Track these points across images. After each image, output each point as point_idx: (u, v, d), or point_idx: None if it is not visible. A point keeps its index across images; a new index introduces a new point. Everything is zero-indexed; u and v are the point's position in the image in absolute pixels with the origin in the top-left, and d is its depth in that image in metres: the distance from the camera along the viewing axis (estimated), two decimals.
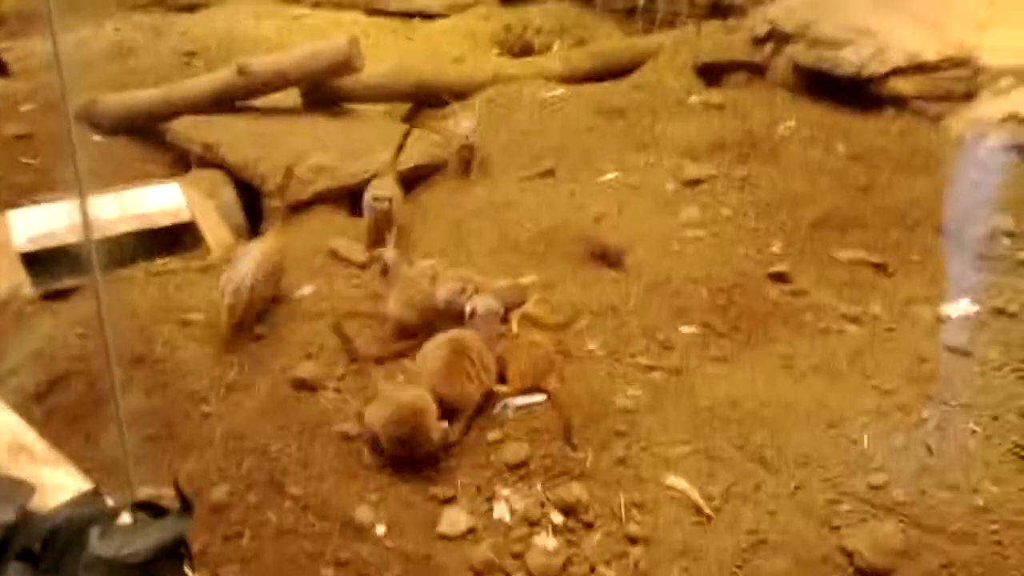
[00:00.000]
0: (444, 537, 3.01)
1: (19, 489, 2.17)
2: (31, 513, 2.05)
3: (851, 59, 6.19)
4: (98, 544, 1.88)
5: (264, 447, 3.28)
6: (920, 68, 6.27)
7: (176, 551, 1.95)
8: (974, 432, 3.49)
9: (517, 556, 2.95)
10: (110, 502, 2.06)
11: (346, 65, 5.92)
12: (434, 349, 3.62)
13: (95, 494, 2.17)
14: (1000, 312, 4.16)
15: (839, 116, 6.12)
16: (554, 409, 3.53)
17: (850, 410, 3.61)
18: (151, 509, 1.98)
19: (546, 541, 2.99)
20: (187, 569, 1.99)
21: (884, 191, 5.29)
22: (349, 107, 6.21)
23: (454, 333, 3.68)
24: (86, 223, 2.90)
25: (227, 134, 5.69)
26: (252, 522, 2.97)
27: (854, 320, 4.21)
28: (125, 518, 1.97)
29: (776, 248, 4.79)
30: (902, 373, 3.82)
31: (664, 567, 2.94)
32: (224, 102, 6.00)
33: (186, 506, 2.00)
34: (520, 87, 6.49)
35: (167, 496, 2.04)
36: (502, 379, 3.69)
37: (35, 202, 4.93)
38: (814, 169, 5.56)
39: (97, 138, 5.84)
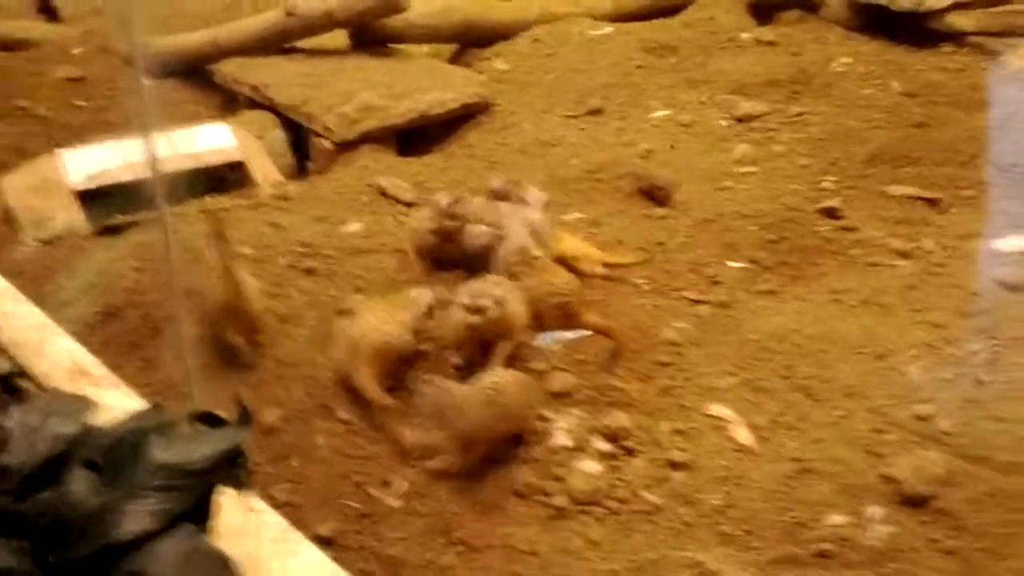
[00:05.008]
0: (489, 460, 3.06)
1: (80, 404, 2.25)
2: (92, 427, 2.13)
3: None
4: (160, 451, 1.95)
5: (314, 375, 3.35)
6: (981, 2, 6.12)
7: (234, 460, 2.02)
8: (1023, 366, 3.46)
9: (560, 479, 2.99)
10: (169, 415, 2.12)
11: (393, 5, 5.92)
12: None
13: (156, 408, 2.24)
14: None
15: (895, 52, 6.01)
16: (609, 339, 3.54)
17: (899, 343, 3.58)
18: (209, 420, 2.05)
19: (589, 465, 3.03)
20: (243, 478, 2.06)
21: (939, 127, 5.20)
22: (396, 48, 6.22)
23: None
24: (153, 161, 2.97)
25: (275, 75, 5.74)
26: (303, 445, 3.05)
27: (905, 255, 4.16)
28: (185, 428, 2.03)
29: (828, 184, 4.74)
30: (953, 308, 3.78)
31: (706, 492, 2.97)
32: (272, 44, 6.05)
33: (244, 418, 2.06)
34: (567, 25, 6.45)
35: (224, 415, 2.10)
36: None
37: (87, 143, 5.03)
38: (868, 105, 5.48)
39: (147, 81, 5.90)
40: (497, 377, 3.14)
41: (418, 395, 3.10)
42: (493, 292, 3.40)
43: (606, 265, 4.09)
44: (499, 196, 4.12)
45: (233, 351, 3.41)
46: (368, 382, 3.25)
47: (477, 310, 3.35)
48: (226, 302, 3.40)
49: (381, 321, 3.36)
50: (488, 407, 3.01)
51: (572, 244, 4.10)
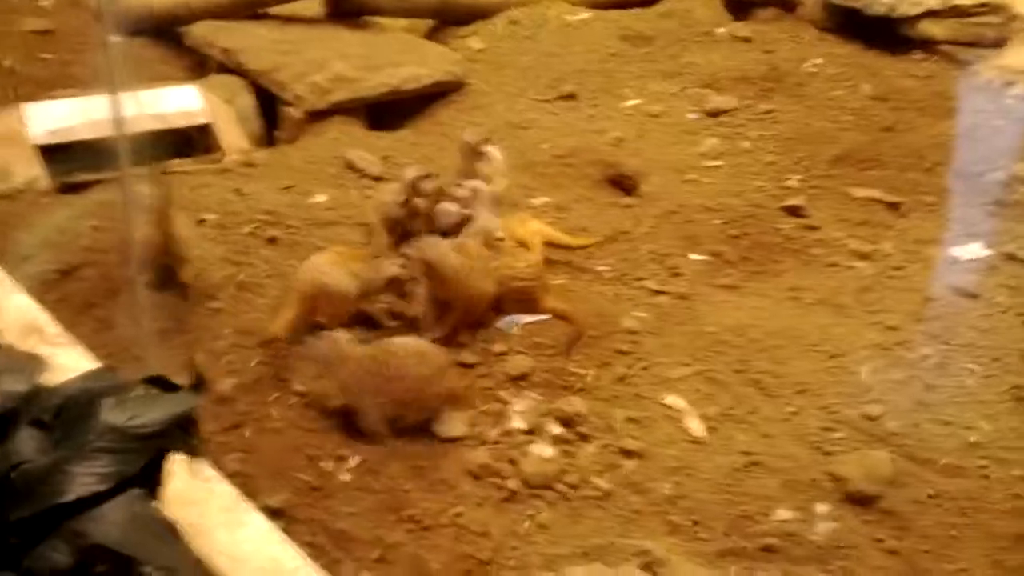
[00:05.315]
0: (443, 439, 3.07)
1: (31, 362, 2.21)
2: (43, 386, 2.10)
3: None
4: (110, 413, 1.92)
5: (271, 345, 3.33)
6: (953, 12, 6.19)
7: (186, 426, 2.00)
8: (973, 372, 3.52)
9: (513, 462, 3.01)
10: (122, 377, 2.10)
11: None
12: None
13: (107, 369, 2.22)
14: (1011, 258, 4.16)
15: (867, 56, 6.06)
16: (569, 324, 3.56)
17: (852, 343, 3.63)
18: (162, 384, 2.03)
19: (543, 449, 3.04)
20: (195, 445, 2.05)
21: (906, 132, 5.26)
22: (371, 20, 6.17)
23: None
24: (118, 120, 2.93)
25: (247, 40, 5.66)
26: (256, 415, 3.03)
27: (864, 257, 4.21)
28: (137, 391, 2.01)
29: (793, 182, 4.78)
30: (907, 311, 3.83)
31: (656, 481, 2.99)
32: (245, 8, 5.96)
33: (198, 384, 2.05)
34: (545, 9, 6.42)
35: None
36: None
37: (52, 97, 4.94)
38: (837, 107, 5.53)
39: (116, 38, 5.80)
40: (397, 340, 3.18)
41: (307, 344, 3.15)
42: (425, 251, 3.44)
43: (566, 247, 4.10)
44: (472, 151, 4.18)
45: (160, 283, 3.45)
46: (284, 314, 3.30)
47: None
48: (156, 239, 3.45)
49: (327, 262, 3.42)
50: (371, 363, 3.06)
51: (534, 226, 4.11)
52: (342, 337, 3.12)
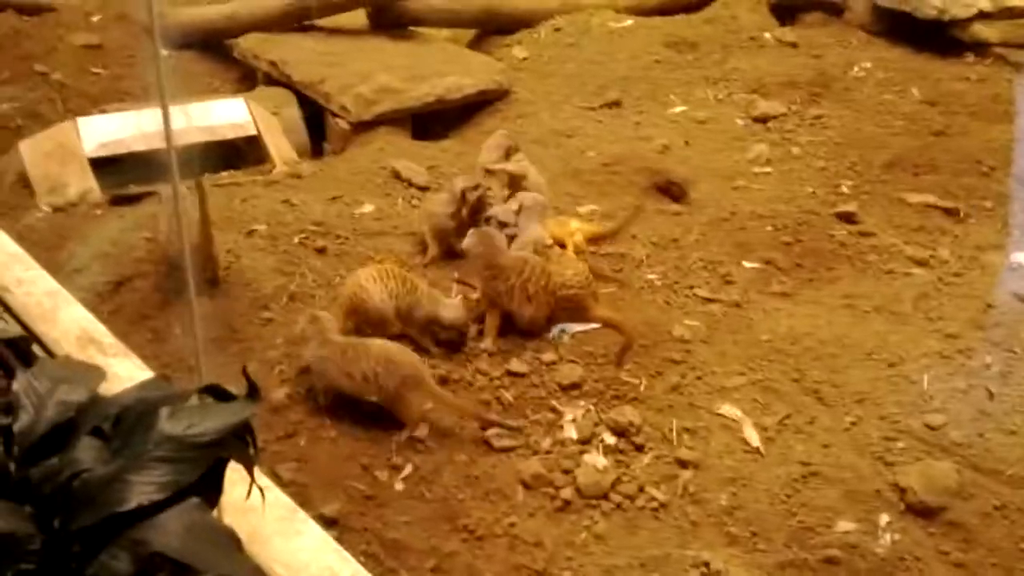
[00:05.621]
0: (496, 449, 3.04)
1: (89, 372, 2.22)
2: (101, 395, 2.10)
3: (934, 2, 6.00)
4: (168, 423, 1.92)
5: None
6: (1005, 13, 6.08)
7: (242, 435, 2.00)
8: None
9: (567, 472, 2.97)
10: (177, 387, 2.10)
11: None
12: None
13: (162, 379, 2.22)
14: None
15: (917, 59, 5.98)
16: (619, 333, 3.52)
17: (911, 351, 3.55)
18: (218, 393, 2.03)
19: (597, 459, 3.00)
20: (251, 452, 2.04)
21: (959, 137, 5.17)
22: (415, 30, 6.19)
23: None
24: (168, 133, 2.95)
25: (293, 53, 5.71)
26: (310, 424, 3.03)
27: (921, 263, 4.14)
28: (193, 401, 2.01)
29: (845, 188, 4.71)
30: (966, 318, 3.75)
31: (713, 492, 2.94)
32: (290, 21, 6.01)
33: (252, 392, 2.04)
34: (588, 16, 6.42)
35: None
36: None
37: (103, 111, 5.00)
38: (888, 111, 5.46)
39: (165, 52, 5.87)
40: (375, 343, 3.17)
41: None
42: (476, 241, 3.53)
43: (603, 238, 4.11)
44: (504, 149, 4.28)
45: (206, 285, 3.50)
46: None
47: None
48: (197, 243, 3.50)
49: (365, 278, 3.44)
50: (340, 354, 3.08)
51: (572, 225, 4.11)
52: (328, 319, 3.18)
